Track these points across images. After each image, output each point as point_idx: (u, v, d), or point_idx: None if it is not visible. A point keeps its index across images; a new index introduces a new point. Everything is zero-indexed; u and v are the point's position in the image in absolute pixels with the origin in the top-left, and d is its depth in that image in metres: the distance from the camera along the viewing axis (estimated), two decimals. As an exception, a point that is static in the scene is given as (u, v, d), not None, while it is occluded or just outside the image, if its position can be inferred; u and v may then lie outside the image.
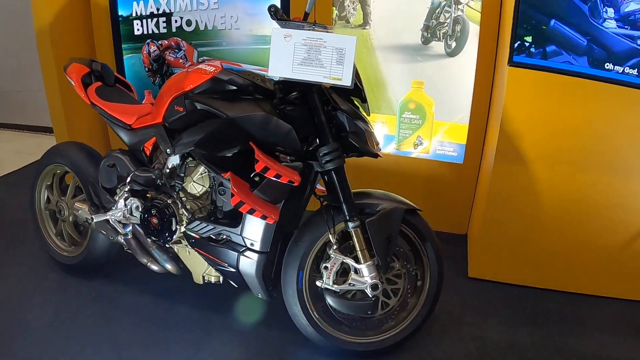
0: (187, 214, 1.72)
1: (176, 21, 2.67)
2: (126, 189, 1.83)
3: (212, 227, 1.66)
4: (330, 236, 1.59)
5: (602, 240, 1.98)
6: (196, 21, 2.63)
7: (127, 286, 2.11)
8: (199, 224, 1.67)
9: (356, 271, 1.58)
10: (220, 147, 1.58)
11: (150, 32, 2.73)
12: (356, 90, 1.57)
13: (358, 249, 1.57)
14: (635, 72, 1.72)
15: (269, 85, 1.59)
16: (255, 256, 1.63)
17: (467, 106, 2.32)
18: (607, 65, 1.74)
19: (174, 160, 1.75)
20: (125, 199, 1.83)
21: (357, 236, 1.56)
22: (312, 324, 1.66)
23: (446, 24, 2.22)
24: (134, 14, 2.71)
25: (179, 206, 1.73)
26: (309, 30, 1.36)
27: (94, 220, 1.90)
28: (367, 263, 1.57)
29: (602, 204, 1.92)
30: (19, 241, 2.44)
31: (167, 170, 1.76)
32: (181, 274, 1.88)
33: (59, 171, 2.18)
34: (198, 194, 1.78)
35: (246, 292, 1.77)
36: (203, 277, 1.84)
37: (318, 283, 1.62)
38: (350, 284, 1.59)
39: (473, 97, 2.29)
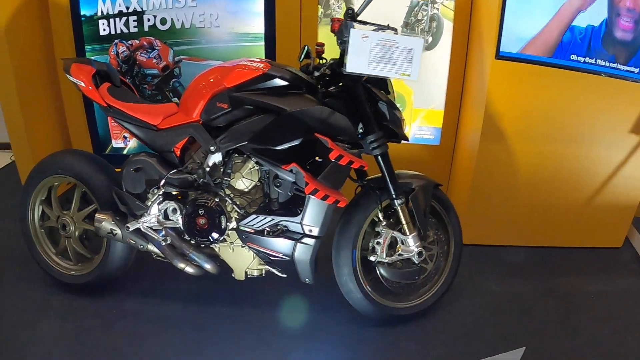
0: (238, 210, 1.75)
1: (149, 20, 2.57)
2: (160, 193, 1.78)
3: (270, 219, 1.71)
4: (379, 214, 1.79)
5: (569, 200, 2.41)
6: (172, 19, 2.57)
7: (148, 297, 2.06)
8: (255, 218, 1.71)
9: (402, 242, 1.79)
10: (278, 141, 1.65)
11: (118, 31, 2.61)
12: (383, 83, 1.78)
13: (404, 222, 1.79)
14: (593, 61, 2.13)
15: (311, 80, 1.73)
16: (312, 242, 1.73)
17: (441, 94, 2.61)
18: (572, 56, 2.13)
19: (215, 158, 1.74)
20: (159, 203, 1.79)
21: (403, 211, 1.78)
22: (367, 297, 1.83)
23: (423, 21, 2.48)
24: (99, 13, 2.56)
25: (229, 203, 1.75)
26: (384, 32, 1.54)
27: (130, 229, 1.80)
28: (413, 234, 1.80)
29: (569, 169, 2.34)
30: (3, 269, 2.23)
31: (208, 169, 1.75)
32: (219, 272, 1.89)
33: (56, 183, 2.02)
34: (247, 189, 1.79)
35: (279, 283, 1.88)
36: (246, 272, 1.86)
37: (372, 258, 1.82)
38: (399, 254, 1.80)
39: (447, 86, 2.59)
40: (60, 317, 1.94)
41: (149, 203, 1.80)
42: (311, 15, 2.49)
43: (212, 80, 1.73)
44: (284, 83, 1.67)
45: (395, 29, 1.57)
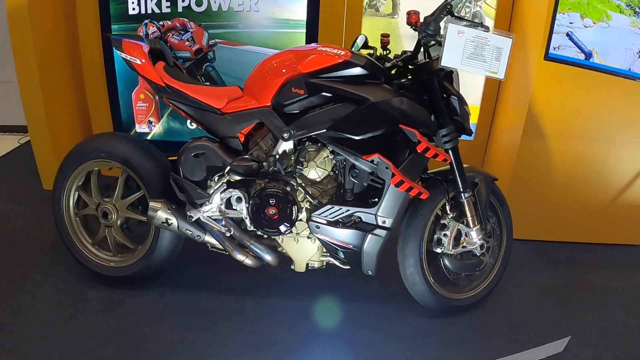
0: (311, 201, 1.71)
1: (184, 0, 2.47)
2: (224, 180, 1.68)
3: (345, 210, 1.67)
4: (447, 207, 1.81)
5: (598, 198, 2.51)
6: (208, 1, 2.47)
7: (194, 290, 1.99)
8: (330, 209, 1.67)
9: (466, 235, 1.83)
10: (361, 131, 1.61)
11: (149, 11, 2.49)
12: (451, 78, 1.81)
13: (469, 215, 1.81)
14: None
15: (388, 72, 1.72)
16: (383, 233, 1.71)
17: (479, 90, 2.65)
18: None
19: (287, 146, 1.69)
20: (222, 192, 1.70)
21: (468, 204, 1.80)
22: (430, 289, 1.85)
23: (466, 17, 2.49)
24: (130, -9, 2.44)
25: (301, 193, 1.70)
26: (478, 29, 1.53)
27: (193, 219, 1.72)
28: (476, 227, 1.82)
29: (599, 169, 2.44)
30: (31, 260, 2.11)
31: (278, 157, 1.69)
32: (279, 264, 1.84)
33: (96, 168, 1.90)
34: (319, 179, 1.74)
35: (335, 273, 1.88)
36: (307, 264, 1.82)
37: (438, 250, 1.83)
38: (463, 246, 1.84)
39: (485, 83, 2.63)
40: (100, 312, 1.84)
41: (211, 191, 1.71)
42: (356, 5, 2.46)
43: (284, 64, 1.67)
44: (365, 72, 1.64)
45: (487, 27, 1.57)
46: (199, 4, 2.47)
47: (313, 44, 1.73)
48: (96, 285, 1.95)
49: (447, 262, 1.86)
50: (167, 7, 2.48)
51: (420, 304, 1.90)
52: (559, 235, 2.60)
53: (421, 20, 1.67)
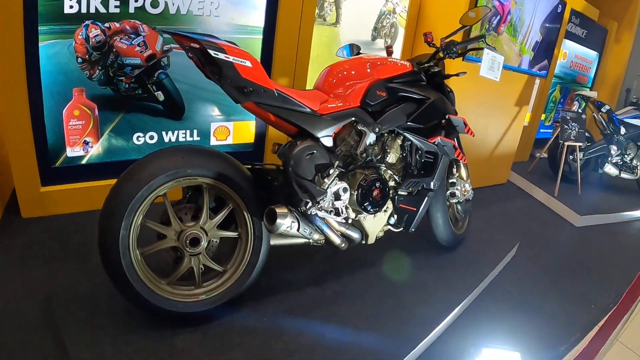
0: (396, 179, 2.05)
1: (137, 0, 2.17)
2: (337, 174, 1.77)
3: (417, 181, 2.06)
4: (454, 169, 2.43)
5: (482, 153, 3.45)
6: (165, 3, 2.24)
7: (275, 294, 1.85)
8: (409, 183, 2.05)
9: (463, 186, 2.44)
10: (428, 121, 2.05)
11: (92, 10, 2.09)
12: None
13: (464, 172, 2.47)
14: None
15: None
16: (432, 194, 2.13)
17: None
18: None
19: (371, 138, 1.90)
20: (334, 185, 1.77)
21: (463, 165, 2.47)
22: (451, 229, 2.41)
23: (387, 26, 2.98)
24: (69, -16, 2.00)
25: (390, 175, 2.04)
26: (492, 50, 2.11)
27: (319, 215, 1.73)
28: (469, 180, 2.46)
29: (484, 132, 3.37)
30: (87, 320, 1.55)
31: (364, 148, 1.90)
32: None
33: (166, 191, 1.55)
34: (394, 161, 2.07)
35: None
36: (376, 236, 2.06)
37: (454, 200, 2.40)
38: (465, 195, 2.45)
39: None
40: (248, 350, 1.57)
41: (325, 186, 1.74)
42: (309, 14, 2.63)
43: (364, 71, 1.89)
44: (422, 78, 2.04)
45: (494, 48, 2.13)
46: (154, 5, 2.21)
47: (379, 55, 2.02)
48: (180, 329, 1.61)
49: (459, 207, 2.47)
50: (116, 6, 2.12)
51: (442, 243, 2.42)
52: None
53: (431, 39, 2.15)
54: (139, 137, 2.42)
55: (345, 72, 1.89)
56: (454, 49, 2.07)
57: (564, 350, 1.88)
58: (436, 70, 2.13)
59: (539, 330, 2.00)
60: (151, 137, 2.45)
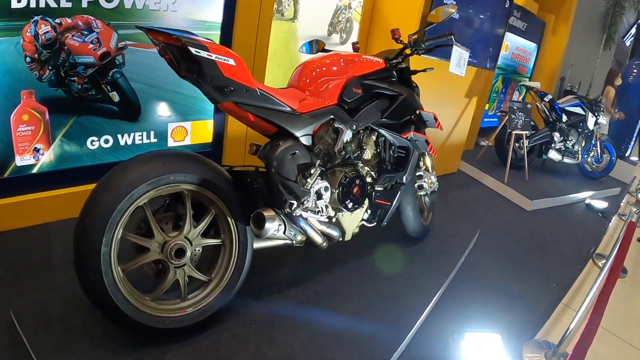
0: (372, 175, 2.05)
1: (89, -6, 2.02)
2: (319, 173, 1.74)
3: (391, 176, 2.08)
4: (421, 162, 2.47)
5: (437, 142, 3.54)
6: (121, -3, 2.10)
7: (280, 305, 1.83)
8: (385, 178, 2.06)
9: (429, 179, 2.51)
10: (401, 117, 2.08)
11: (42, 5, 1.92)
12: None
13: (430, 165, 2.54)
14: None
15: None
16: (403, 188, 2.15)
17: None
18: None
19: (348, 135, 1.88)
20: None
21: (429, 157, 2.53)
22: (419, 221, 2.46)
23: (342, 21, 2.98)
24: (15, -22, 1.82)
25: (367, 171, 2.04)
26: (460, 47, 2.15)
27: (304, 216, 1.70)
28: (434, 173, 2.53)
29: (447, 125, 3.46)
30: (69, 340, 1.44)
31: (342, 146, 1.88)
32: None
33: (146, 201, 1.45)
34: (369, 158, 2.08)
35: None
36: (353, 232, 2.04)
37: (422, 192, 2.47)
38: (431, 188, 2.53)
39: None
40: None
41: (308, 186, 1.71)
42: (268, 9, 2.57)
43: (339, 68, 1.85)
44: (394, 74, 2.05)
45: (462, 44, 2.18)
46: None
47: (351, 52, 2.00)
48: (169, 345, 1.51)
49: (427, 199, 2.53)
50: (67, 0, 1.96)
51: (411, 234, 2.48)
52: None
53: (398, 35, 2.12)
54: (93, 141, 2.26)
55: (320, 69, 1.84)
56: (423, 46, 2.09)
57: (535, 327, 1.99)
58: (404, 66, 2.15)
59: (510, 311, 2.10)
60: (106, 141, 2.30)
